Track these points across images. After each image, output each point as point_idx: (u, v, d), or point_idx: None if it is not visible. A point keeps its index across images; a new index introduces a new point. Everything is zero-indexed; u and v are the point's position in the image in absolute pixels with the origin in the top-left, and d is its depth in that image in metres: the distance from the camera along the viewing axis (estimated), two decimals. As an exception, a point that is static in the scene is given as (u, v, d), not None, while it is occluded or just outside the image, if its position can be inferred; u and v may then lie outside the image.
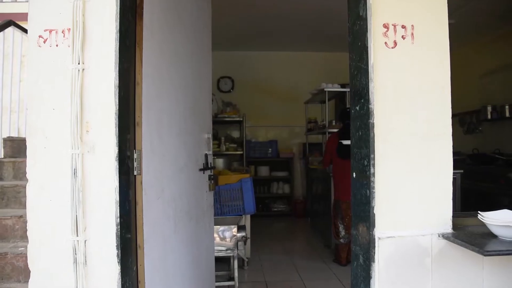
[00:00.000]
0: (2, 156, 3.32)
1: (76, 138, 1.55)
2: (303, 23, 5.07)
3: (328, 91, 4.66)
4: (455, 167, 4.52)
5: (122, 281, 1.57)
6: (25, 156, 3.20)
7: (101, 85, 1.57)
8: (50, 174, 1.58)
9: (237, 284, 3.23)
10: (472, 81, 6.27)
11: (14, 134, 3.65)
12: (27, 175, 1.60)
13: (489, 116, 5.62)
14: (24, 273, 2.33)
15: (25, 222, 2.55)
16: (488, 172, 4.92)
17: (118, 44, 1.57)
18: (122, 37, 1.59)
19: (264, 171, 6.26)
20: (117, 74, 1.56)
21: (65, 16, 1.58)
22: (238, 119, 5.90)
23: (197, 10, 2.53)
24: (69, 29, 1.58)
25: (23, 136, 3.66)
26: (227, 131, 6.33)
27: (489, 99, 5.75)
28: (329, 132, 4.67)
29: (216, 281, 2.98)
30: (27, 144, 1.59)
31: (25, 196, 2.82)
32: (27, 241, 2.54)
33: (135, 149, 1.70)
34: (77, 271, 1.56)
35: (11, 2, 4.74)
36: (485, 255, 1.40)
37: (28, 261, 1.60)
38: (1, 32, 3.42)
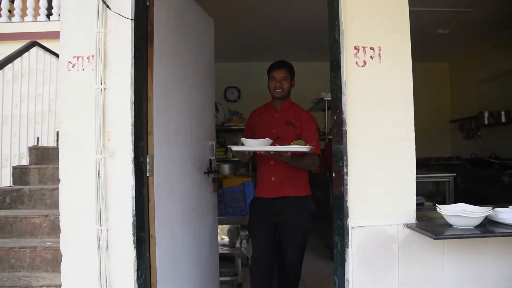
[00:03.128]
0: (28, 163, 3.70)
1: (100, 145, 1.90)
2: (304, 35, 5.40)
3: (327, 100, 4.97)
4: (454, 171, 4.76)
5: (137, 263, 1.92)
6: (48, 163, 3.61)
7: (120, 101, 1.92)
8: (78, 175, 1.93)
9: (240, 280, 3.55)
10: (471, 88, 6.53)
11: (33, 143, 3.96)
12: (59, 176, 1.96)
13: (486, 122, 5.87)
14: (51, 264, 2.69)
15: (51, 220, 2.95)
16: (484, 176, 5.18)
17: (133, 67, 1.93)
18: (136, 61, 1.95)
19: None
20: (133, 92, 1.91)
21: (90, 45, 1.95)
22: (244, 127, 6.22)
23: (200, 30, 2.88)
24: (93, 56, 1.94)
25: (44, 145, 4.04)
26: (234, 139, 6.67)
27: (486, 105, 6.00)
28: (329, 139, 4.98)
29: (220, 276, 3.30)
30: (59, 150, 1.95)
31: (50, 198, 3.22)
32: (53, 237, 2.93)
33: (147, 154, 2.05)
34: (101, 255, 1.90)
35: (32, 22, 5.15)
36: (434, 239, 1.71)
37: (60, 247, 1.95)
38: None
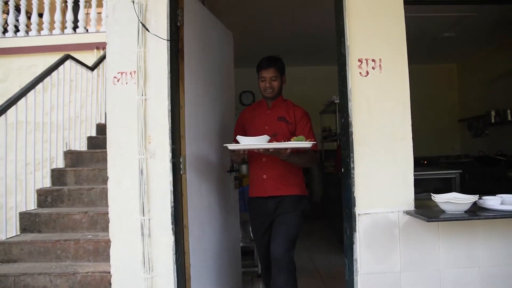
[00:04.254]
0: (64, 166, 4.11)
1: (142, 148, 2.27)
2: (315, 41, 5.73)
3: (338, 103, 5.29)
4: (463, 169, 5.04)
5: (175, 248, 2.27)
6: (82, 165, 4.01)
7: (158, 110, 2.29)
8: (124, 173, 2.30)
9: (259, 270, 3.89)
10: (479, 88, 6.81)
11: (63, 148, 4.25)
12: (108, 174, 2.32)
13: (493, 120, 6.14)
14: (93, 255, 3.07)
15: (90, 216, 3.33)
16: (491, 172, 5.44)
17: (169, 81, 2.30)
18: (172, 75, 2.32)
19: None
20: (169, 102, 2.28)
21: (131, 63, 2.32)
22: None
23: (221, 43, 3.25)
24: (134, 72, 2.31)
25: (72, 149, 4.41)
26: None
27: (493, 105, 6.27)
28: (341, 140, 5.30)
29: (242, 268, 3.65)
30: (107, 153, 2.32)
31: (87, 197, 3.61)
32: (92, 231, 3.31)
33: (181, 154, 2.41)
34: (144, 241, 2.26)
35: (60, 34, 5.59)
36: (428, 221, 2.04)
37: (109, 235, 2.31)
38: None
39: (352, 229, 2.26)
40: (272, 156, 2.48)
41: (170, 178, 2.27)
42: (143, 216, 2.27)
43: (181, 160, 2.40)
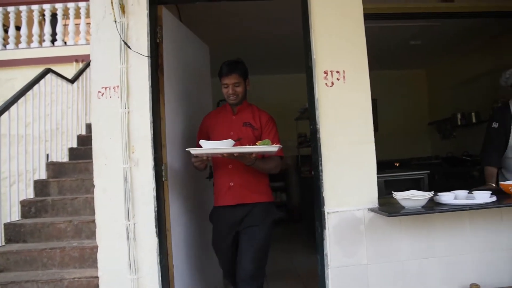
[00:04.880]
0: (46, 177, 4.23)
1: (126, 157, 2.45)
2: (289, 50, 5.97)
3: (310, 110, 5.55)
4: (432, 169, 5.38)
5: (159, 250, 2.46)
6: (65, 176, 4.13)
7: (141, 121, 2.48)
8: (109, 181, 2.47)
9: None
10: (446, 92, 7.19)
11: (44, 159, 4.33)
12: (94, 182, 2.49)
13: (459, 123, 6.51)
14: (78, 261, 3.21)
15: (74, 225, 3.47)
16: (458, 172, 5.79)
17: (150, 94, 2.49)
18: (153, 89, 2.51)
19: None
20: (151, 114, 2.48)
21: (115, 78, 2.50)
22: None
23: (198, 56, 3.46)
24: (118, 86, 2.50)
25: (53, 160, 4.52)
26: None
27: (460, 108, 6.65)
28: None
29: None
30: (93, 162, 2.49)
31: (71, 207, 3.74)
32: (77, 239, 3.45)
33: (162, 163, 2.60)
34: (129, 244, 2.44)
35: (38, 48, 5.70)
36: (389, 216, 2.29)
37: (96, 239, 2.48)
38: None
39: (322, 226, 2.50)
40: (239, 162, 2.47)
41: (153, 185, 2.46)
42: (129, 221, 2.44)
43: (162, 168, 2.58)
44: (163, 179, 2.60)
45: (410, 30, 5.44)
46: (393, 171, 5.51)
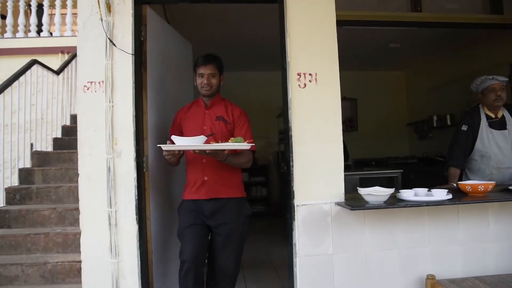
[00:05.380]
0: (31, 166, 4.35)
1: (109, 148, 2.61)
2: (270, 49, 6.15)
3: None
4: (408, 169, 5.65)
5: (139, 236, 2.63)
6: (49, 165, 4.26)
7: (124, 115, 2.64)
8: (93, 170, 2.63)
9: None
10: (424, 94, 7.46)
11: (28, 149, 4.44)
12: (78, 171, 2.64)
13: (435, 125, 6.79)
14: (62, 246, 3.36)
15: (58, 212, 3.61)
16: (432, 172, 6.06)
17: (134, 90, 2.65)
18: (136, 85, 2.68)
19: (244, 176, 7.35)
20: (134, 108, 2.64)
21: (100, 73, 2.66)
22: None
23: (181, 53, 3.61)
24: (102, 81, 2.65)
25: (38, 149, 4.64)
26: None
27: (436, 110, 6.92)
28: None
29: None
30: (78, 152, 2.64)
31: (55, 195, 3.88)
32: (61, 225, 3.60)
33: (144, 155, 2.76)
34: (111, 230, 2.61)
35: (36, 37, 5.78)
36: (351, 210, 2.49)
37: (80, 225, 2.64)
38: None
39: (292, 218, 2.70)
40: (213, 157, 2.49)
41: (135, 175, 2.63)
42: (111, 208, 2.61)
43: (144, 159, 2.75)
44: (145, 170, 2.77)
45: (390, 33, 5.66)
46: (370, 169, 5.77)
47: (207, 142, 2.37)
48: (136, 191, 2.63)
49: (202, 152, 2.35)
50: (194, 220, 2.60)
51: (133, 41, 2.69)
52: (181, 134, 2.65)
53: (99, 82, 2.66)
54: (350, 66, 7.01)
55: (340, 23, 2.83)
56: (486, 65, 5.36)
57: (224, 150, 2.37)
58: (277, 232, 6.29)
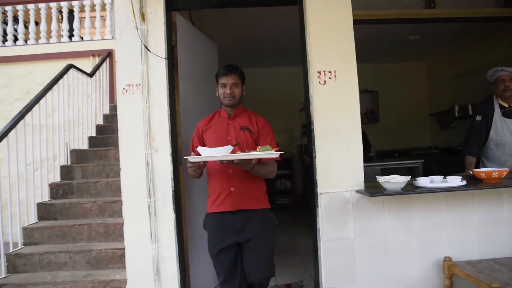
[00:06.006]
0: (70, 163, 4.71)
1: (147, 145, 2.91)
2: (295, 44, 6.37)
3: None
4: (431, 159, 5.83)
5: (176, 224, 2.92)
6: (87, 162, 4.61)
7: (159, 114, 2.93)
8: (133, 165, 2.93)
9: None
10: (445, 84, 7.54)
11: (64, 147, 4.74)
12: (120, 166, 2.94)
13: (456, 115, 6.88)
14: (103, 236, 3.69)
15: (98, 204, 3.94)
16: (454, 161, 6.17)
17: (168, 90, 2.94)
18: (169, 86, 2.96)
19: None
20: (169, 107, 2.92)
21: (137, 76, 2.94)
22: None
23: (208, 55, 3.89)
24: (139, 84, 2.94)
25: (76, 147, 4.99)
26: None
27: (458, 100, 7.01)
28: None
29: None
30: (119, 149, 2.94)
31: (94, 189, 4.22)
32: (101, 217, 3.93)
33: (178, 150, 3.05)
34: (151, 218, 2.90)
35: (68, 42, 6.17)
36: (370, 196, 2.72)
37: (123, 215, 2.94)
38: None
39: (316, 205, 2.94)
40: (239, 168, 2.46)
41: (171, 168, 2.92)
42: (150, 199, 2.91)
43: (178, 154, 3.04)
44: (179, 164, 3.05)
45: (409, 26, 5.79)
46: (391, 160, 5.94)
47: (233, 152, 2.32)
48: (173, 183, 2.92)
49: (230, 162, 2.31)
50: (224, 242, 2.56)
51: (166, 46, 2.97)
52: (203, 145, 2.64)
53: (136, 85, 2.95)
54: (370, 59, 7.16)
55: (356, 22, 3.04)
56: (508, 55, 5.44)
57: (251, 159, 2.34)
58: (302, 223, 6.54)
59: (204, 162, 2.41)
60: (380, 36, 5.98)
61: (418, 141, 7.89)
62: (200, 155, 2.34)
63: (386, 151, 7.34)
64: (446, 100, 7.38)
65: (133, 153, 2.94)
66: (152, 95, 2.95)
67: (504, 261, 2.85)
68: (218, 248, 2.57)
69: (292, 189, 7.92)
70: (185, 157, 2.41)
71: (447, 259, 2.89)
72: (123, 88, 2.97)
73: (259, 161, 2.50)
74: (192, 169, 2.45)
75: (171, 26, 3.08)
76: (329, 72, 2.97)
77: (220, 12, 4.83)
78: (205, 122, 2.75)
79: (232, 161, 2.29)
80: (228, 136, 2.62)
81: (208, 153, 2.28)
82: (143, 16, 2.96)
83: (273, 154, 2.32)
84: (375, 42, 6.13)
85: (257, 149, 2.36)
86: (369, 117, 7.89)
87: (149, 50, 2.95)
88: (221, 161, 2.32)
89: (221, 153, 2.26)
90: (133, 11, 2.92)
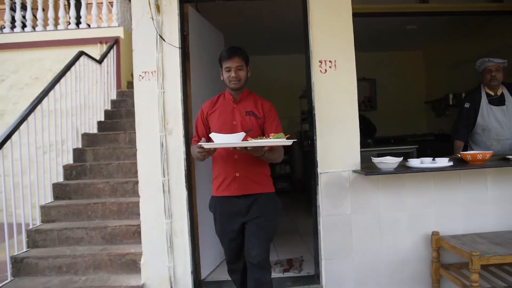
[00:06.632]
0: (81, 146, 5.00)
1: (162, 127, 3.19)
2: (295, 33, 6.63)
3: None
4: (425, 145, 6.19)
5: (188, 200, 3.23)
6: (98, 145, 4.92)
7: (173, 99, 3.22)
8: (149, 146, 3.22)
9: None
10: (441, 73, 7.83)
11: (72, 131, 4.95)
12: (137, 147, 3.24)
13: (450, 103, 7.18)
14: (117, 214, 4.00)
15: (111, 185, 4.24)
16: (447, 147, 6.48)
17: (181, 77, 3.22)
18: (183, 73, 3.24)
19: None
20: (182, 93, 3.21)
21: (152, 64, 3.22)
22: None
23: (214, 42, 4.16)
24: (155, 71, 3.22)
25: (86, 131, 5.26)
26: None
27: (453, 88, 7.30)
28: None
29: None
30: (136, 131, 3.23)
31: (106, 171, 4.51)
32: (113, 197, 4.23)
33: (189, 132, 3.34)
34: (164, 195, 3.21)
35: (75, 29, 6.41)
36: (365, 175, 3.03)
37: (139, 192, 3.25)
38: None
39: (315, 184, 3.25)
40: (244, 153, 2.47)
41: (184, 149, 3.21)
42: (164, 177, 3.21)
43: (189, 136, 3.33)
44: (190, 145, 3.34)
45: (407, 17, 6.05)
46: (388, 146, 6.24)
47: (244, 138, 2.32)
48: (185, 163, 3.22)
49: (243, 148, 2.31)
50: (231, 226, 2.60)
51: (179, 35, 3.25)
52: (208, 129, 2.66)
53: (151, 72, 3.23)
54: (368, 48, 7.41)
55: (355, 15, 3.31)
56: (500, 45, 5.72)
57: (263, 146, 2.33)
58: (301, 206, 6.84)
59: (214, 148, 2.43)
60: (378, 26, 6.23)
61: (414, 128, 8.20)
62: (211, 141, 2.40)
63: (383, 137, 7.63)
64: (442, 88, 7.67)
65: (148, 135, 3.23)
66: (166, 82, 3.23)
67: (485, 234, 3.18)
68: (225, 231, 2.63)
69: (292, 174, 8.24)
70: (199, 143, 2.36)
71: (434, 233, 3.21)
72: (139, 75, 3.24)
73: (270, 148, 2.47)
74: (202, 154, 2.43)
75: (183, 17, 3.35)
76: (330, 61, 3.25)
77: (224, 3, 5.08)
78: (209, 105, 2.71)
79: (246, 147, 2.29)
80: (234, 121, 2.59)
81: (222, 140, 2.29)
82: (158, 8, 3.22)
83: (287, 142, 2.32)
84: (372, 32, 6.38)
85: (270, 136, 2.34)
86: (366, 104, 8.18)
87: (164, 40, 3.22)
88: (235, 148, 2.32)
89: (234, 140, 2.27)
90: (149, 3, 3.19)
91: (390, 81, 8.24)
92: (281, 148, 2.61)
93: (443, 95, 7.54)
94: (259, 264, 2.52)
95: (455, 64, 7.19)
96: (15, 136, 3.56)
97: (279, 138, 2.31)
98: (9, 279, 3.41)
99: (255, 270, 2.53)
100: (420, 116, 8.48)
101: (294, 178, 8.18)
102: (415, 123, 8.35)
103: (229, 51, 2.59)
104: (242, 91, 2.67)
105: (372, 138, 6.82)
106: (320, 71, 3.24)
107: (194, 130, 2.73)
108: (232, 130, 2.47)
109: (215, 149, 2.48)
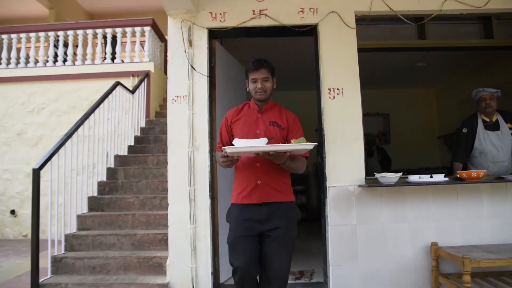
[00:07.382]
0: (114, 166, 5.56)
1: (190, 144, 3.72)
2: (310, 68, 7.22)
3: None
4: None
5: (211, 209, 3.70)
6: (128, 165, 5.48)
7: (201, 120, 3.76)
8: (178, 160, 3.74)
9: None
10: (453, 108, 8.25)
11: (102, 156, 5.42)
12: (168, 160, 3.76)
13: (462, 137, 7.55)
14: (145, 225, 4.47)
15: (140, 199, 4.75)
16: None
17: (208, 102, 3.78)
18: (209, 98, 3.80)
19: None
20: (209, 115, 3.76)
21: (183, 90, 3.79)
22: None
23: (238, 75, 4.74)
24: (185, 95, 3.78)
25: (119, 154, 5.83)
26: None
27: (464, 123, 7.68)
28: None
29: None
30: (168, 147, 3.77)
31: (135, 188, 5.05)
32: (142, 210, 4.74)
33: (213, 149, 3.85)
34: (190, 204, 3.69)
35: (110, 63, 7.14)
36: (368, 187, 3.46)
37: (168, 200, 3.74)
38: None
39: (325, 197, 3.70)
40: (267, 161, 2.52)
41: (209, 163, 3.72)
42: (190, 187, 3.70)
43: (213, 153, 3.84)
44: (214, 161, 3.85)
45: (416, 54, 6.57)
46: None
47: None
48: (210, 176, 3.72)
49: (265, 154, 2.33)
50: (247, 230, 2.57)
51: (208, 66, 3.83)
52: (231, 136, 2.71)
53: (183, 96, 3.80)
54: (382, 84, 7.95)
55: (360, 50, 3.85)
56: (504, 80, 6.17)
57: (285, 152, 2.37)
58: (317, 234, 7.17)
59: (238, 156, 2.48)
60: (391, 62, 6.75)
61: (427, 162, 8.54)
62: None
63: (396, 170, 7.98)
64: (453, 123, 8.06)
65: (178, 150, 3.76)
66: (195, 105, 3.79)
67: (482, 246, 3.53)
68: (240, 234, 2.57)
69: (307, 204, 8.63)
70: (223, 147, 2.46)
71: (434, 244, 3.57)
72: (173, 98, 3.81)
73: (291, 156, 2.51)
74: (226, 163, 2.51)
75: (211, 51, 3.95)
76: (338, 89, 3.76)
77: (245, 41, 5.70)
78: (234, 113, 2.78)
79: (268, 153, 2.33)
80: (257, 130, 2.63)
81: (245, 144, 2.33)
82: (190, 42, 3.82)
83: (308, 145, 2.34)
84: (385, 69, 6.91)
85: (292, 142, 2.40)
86: (381, 138, 8.62)
87: (194, 69, 3.80)
88: (257, 154, 2.36)
89: (257, 144, 2.32)
90: (183, 39, 3.80)
91: (404, 116, 8.68)
92: (303, 159, 2.67)
93: (454, 130, 7.91)
94: (280, 277, 2.57)
95: (465, 99, 7.62)
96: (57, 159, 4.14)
97: (300, 142, 2.37)
98: (49, 275, 3.89)
99: (275, 283, 2.57)
100: (433, 150, 8.84)
101: (310, 208, 8.56)
102: (428, 157, 8.69)
103: (256, 63, 2.66)
104: (268, 101, 2.72)
105: (388, 170, 7.21)
106: (329, 97, 3.75)
107: (219, 137, 2.86)
108: (255, 139, 2.47)
109: (238, 158, 2.52)
